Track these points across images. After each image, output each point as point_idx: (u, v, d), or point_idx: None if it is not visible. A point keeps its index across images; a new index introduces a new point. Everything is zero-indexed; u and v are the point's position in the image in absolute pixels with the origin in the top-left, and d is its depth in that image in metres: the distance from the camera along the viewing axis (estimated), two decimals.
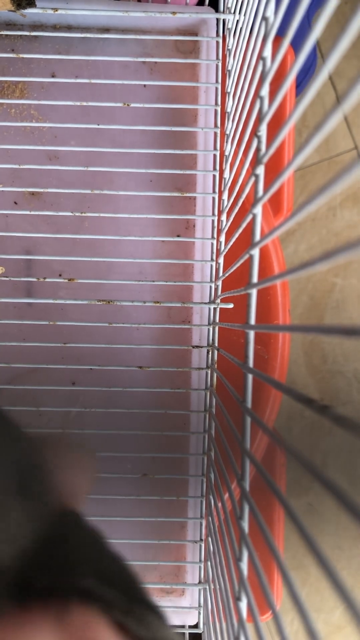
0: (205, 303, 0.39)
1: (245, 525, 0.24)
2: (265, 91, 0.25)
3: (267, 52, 0.25)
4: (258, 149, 0.25)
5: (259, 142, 0.25)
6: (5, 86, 0.43)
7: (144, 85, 0.44)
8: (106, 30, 0.43)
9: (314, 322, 1.10)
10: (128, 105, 0.38)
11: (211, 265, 0.39)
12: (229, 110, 0.38)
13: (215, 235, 0.39)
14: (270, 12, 0.25)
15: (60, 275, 0.43)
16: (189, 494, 0.40)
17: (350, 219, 1.08)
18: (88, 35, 0.38)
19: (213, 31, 0.42)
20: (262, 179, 0.25)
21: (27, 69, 0.43)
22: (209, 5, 0.42)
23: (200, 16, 0.42)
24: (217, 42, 0.41)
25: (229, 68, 0.39)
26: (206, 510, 0.40)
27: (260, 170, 0.25)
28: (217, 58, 0.41)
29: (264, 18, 0.26)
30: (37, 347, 0.41)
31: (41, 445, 0.16)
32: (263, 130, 0.25)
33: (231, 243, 0.30)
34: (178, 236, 0.43)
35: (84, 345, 0.38)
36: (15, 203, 0.43)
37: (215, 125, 0.40)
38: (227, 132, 0.38)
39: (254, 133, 0.25)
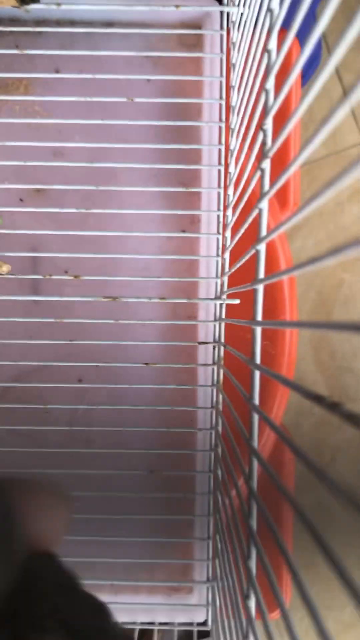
0: (211, 299, 0.39)
1: (254, 523, 0.24)
2: (270, 84, 0.25)
3: (273, 45, 0.25)
4: (264, 143, 0.25)
5: (265, 135, 0.25)
6: (9, 83, 0.43)
7: (148, 80, 0.44)
8: (110, 24, 0.43)
9: (322, 318, 1.09)
10: (132, 100, 0.38)
11: (217, 261, 0.39)
12: (233, 104, 0.38)
13: (220, 231, 0.39)
14: (275, 4, 0.25)
15: (66, 272, 0.42)
16: (196, 491, 0.40)
17: (358, 214, 1.07)
18: (91, 30, 0.38)
19: (217, 24, 0.42)
20: (268, 173, 0.25)
21: (31, 65, 0.43)
22: None
23: (204, 9, 0.42)
24: (221, 36, 0.41)
25: (234, 62, 0.38)
26: (214, 507, 0.39)
27: (266, 164, 0.25)
28: (222, 52, 0.40)
29: (269, 10, 0.25)
30: (43, 345, 0.41)
31: (10, 487, 0.15)
32: (269, 124, 0.25)
33: (237, 238, 0.30)
34: (183, 231, 0.43)
35: (91, 342, 0.38)
36: (21, 200, 0.43)
37: (220, 120, 0.39)
38: (232, 126, 0.37)
39: (260, 127, 0.25)
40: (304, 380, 1.07)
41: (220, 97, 0.40)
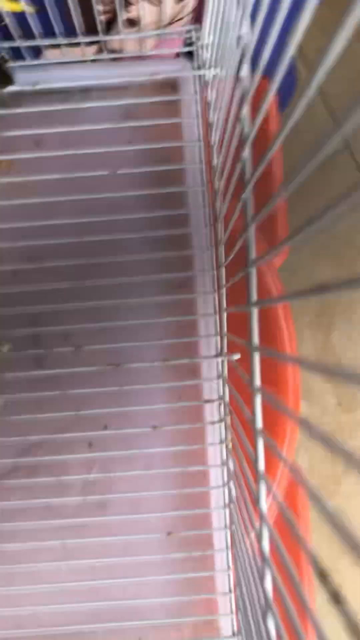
0: (213, 356, 0.39)
1: (269, 586, 0.24)
2: (245, 112, 0.25)
3: (245, 73, 0.24)
4: (243, 174, 0.24)
5: (244, 166, 0.25)
6: None
7: (129, 142, 0.44)
8: (87, 90, 0.44)
9: (324, 327, 1.09)
10: (115, 172, 0.38)
11: (215, 319, 0.39)
12: (214, 163, 0.39)
13: (215, 288, 0.40)
14: (244, 31, 0.24)
15: (66, 339, 0.43)
16: (215, 548, 0.41)
17: (350, 221, 1.08)
18: (69, 106, 0.38)
19: (191, 83, 0.42)
20: (251, 202, 0.25)
21: (10, 140, 0.44)
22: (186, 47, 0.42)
23: (179, 73, 0.42)
24: (196, 99, 0.41)
25: (211, 121, 0.39)
26: (233, 561, 0.40)
27: (248, 194, 0.24)
28: (198, 115, 0.41)
29: (239, 37, 0.25)
30: (52, 412, 0.42)
31: None
32: (247, 153, 0.24)
33: (233, 279, 0.31)
34: (179, 287, 0.43)
35: (97, 411, 0.39)
36: (14, 273, 0.43)
37: (202, 183, 0.40)
38: (216, 186, 0.38)
39: (237, 159, 0.25)
40: (312, 391, 1.07)
41: (200, 161, 0.40)
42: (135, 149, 0.44)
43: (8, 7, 0.36)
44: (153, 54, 0.43)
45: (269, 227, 0.49)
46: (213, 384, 0.41)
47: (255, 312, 0.24)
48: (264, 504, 0.26)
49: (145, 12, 0.36)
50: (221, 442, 0.39)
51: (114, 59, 0.42)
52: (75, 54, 0.42)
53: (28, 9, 0.36)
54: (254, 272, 0.23)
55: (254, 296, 0.24)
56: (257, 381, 0.23)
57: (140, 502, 0.42)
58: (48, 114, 0.44)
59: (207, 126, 0.42)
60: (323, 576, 0.12)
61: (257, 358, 0.24)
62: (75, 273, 0.42)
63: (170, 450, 0.41)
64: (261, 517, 0.25)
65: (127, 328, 0.42)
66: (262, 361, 0.26)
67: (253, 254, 0.23)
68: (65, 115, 0.43)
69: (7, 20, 0.36)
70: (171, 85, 0.44)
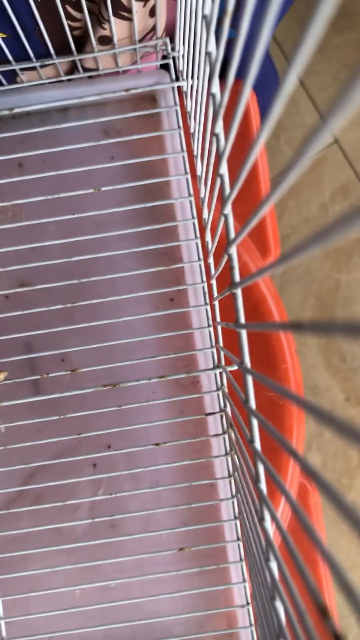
0: (211, 369, 0.39)
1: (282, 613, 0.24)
2: (219, 128, 0.25)
3: (215, 89, 0.24)
4: (222, 189, 0.24)
5: (222, 182, 0.24)
6: None
7: (112, 157, 0.44)
8: (65, 109, 0.43)
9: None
10: (99, 190, 0.38)
11: (209, 331, 0.39)
12: (199, 173, 0.38)
13: (208, 301, 0.39)
14: (212, 47, 0.24)
15: (62, 360, 0.43)
16: (229, 560, 0.40)
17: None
18: (49, 127, 0.38)
19: (170, 93, 0.42)
20: (232, 219, 0.25)
21: None
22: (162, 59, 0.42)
23: (155, 86, 0.42)
24: (176, 110, 0.41)
25: (192, 131, 0.39)
26: (248, 575, 0.39)
27: (228, 210, 0.24)
28: (179, 126, 0.41)
29: (207, 53, 0.25)
30: (54, 435, 0.41)
31: None
32: (224, 169, 0.24)
33: (223, 292, 0.30)
34: (172, 300, 0.43)
35: (98, 433, 0.39)
36: (7, 297, 0.43)
37: (189, 193, 0.39)
38: (201, 195, 0.38)
39: (216, 173, 0.25)
40: (318, 388, 1.07)
41: (185, 171, 0.40)
42: (120, 164, 0.44)
43: None
44: (131, 69, 0.43)
45: (259, 232, 0.49)
46: (215, 396, 0.41)
47: (244, 333, 0.23)
48: (270, 527, 0.25)
49: (117, 28, 0.36)
50: (226, 454, 0.39)
51: (91, 77, 0.42)
52: (50, 74, 0.42)
53: None
54: (239, 292, 0.23)
55: (242, 319, 0.24)
56: (252, 403, 0.23)
57: (150, 519, 0.42)
58: (28, 136, 0.43)
59: (189, 137, 0.41)
60: (324, 614, 0.11)
61: (249, 378, 0.24)
62: (66, 294, 0.42)
63: (177, 465, 0.41)
64: (268, 545, 0.25)
65: (123, 346, 0.42)
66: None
67: (237, 276, 0.22)
68: (46, 135, 0.43)
69: None
70: (150, 98, 0.44)
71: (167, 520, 0.42)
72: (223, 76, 0.36)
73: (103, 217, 0.43)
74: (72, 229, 0.43)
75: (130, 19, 0.36)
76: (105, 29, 0.37)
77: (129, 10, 0.35)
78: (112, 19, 0.35)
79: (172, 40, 0.40)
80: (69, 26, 0.37)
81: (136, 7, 0.35)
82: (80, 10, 0.37)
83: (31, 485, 0.41)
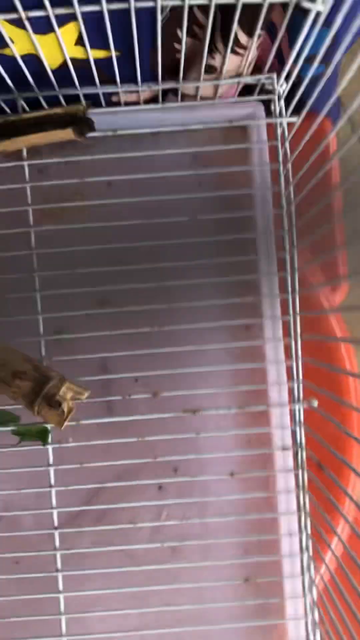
0: (289, 403, 0.39)
1: None
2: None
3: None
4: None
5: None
6: (64, 197, 0.43)
7: (199, 183, 0.44)
8: (157, 132, 0.44)
9: None
10: (194, 219, 0.38)
11: (292, 365, 0.39)
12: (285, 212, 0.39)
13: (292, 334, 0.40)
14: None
15: (136, 380, 0.43)
16: (286, 596, 0.41)
17: None
18: (142, 153, 0.39)
19: (264, 127, 0.42)
20: None
21: (81, 177, 0.44)
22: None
23: (250, 110, 0.42)
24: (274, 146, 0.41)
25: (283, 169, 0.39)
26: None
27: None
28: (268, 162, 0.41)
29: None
30: (120, 455, 0.42)
31: None
32: None
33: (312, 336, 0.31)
34: (247, 329, 0.43)
35: (173, 458, 0.39)
36: (87, 316, 0.43)
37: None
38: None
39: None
40: None
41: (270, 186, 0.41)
42: (205, 194, 0.44)
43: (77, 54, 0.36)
44: (221, 97, 0.43)
45: (330, 265, 0.49)
46: (284, 430, 0.41)
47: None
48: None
49: (228, 61, 0.36)
50: (298, 487, 0.39)
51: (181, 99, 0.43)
52: (146, 96, 0.42)
53: (107, 54, 0.36)
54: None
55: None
56: None
57: (211, 547, 0.42)
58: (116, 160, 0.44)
59: (278, 174, 0.42)
60: None
61: None
62: (145, 317, 0.42)
63: (242, 497, 0.41)
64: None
65: (197, 373, 0.42)
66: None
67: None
68: (136, 157, 0.43)
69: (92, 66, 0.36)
70: (242, 129, 0.44)
71: (227, 551, 0.42)
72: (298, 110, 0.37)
73: (186, 244, 0.43)
74: (156, 254, 0.43)
75: (241, 55, 0.37)
76: (214, 58, 0.37)
77: (245, 47, 0.35)
78: (229, 54, 0.35)
79: (274, 75, 0.40)
80: (175, 50, 0.38)
81: (250, 43, 0.35)
82: (192, 36, 0.37)
83: (94, 506, 0.42)
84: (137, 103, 0.43)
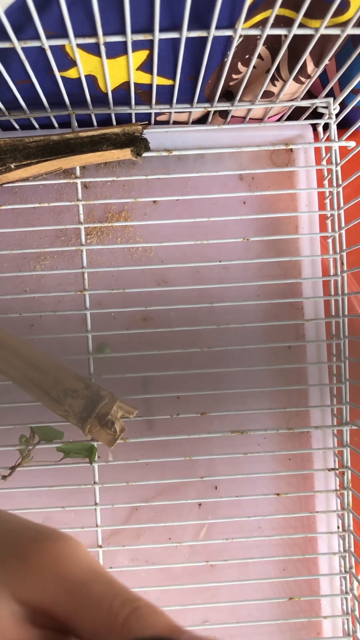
0: (335, 425, 0.40)
1: None
2: None
3: None
4: None
5: None
6: (109, 216, 0.44)
7: (244, 202, 0.45)
8: (201, 156, 0.45)
9: None
10: (247, 239, 0.39)
11: (342, 388, 0.40)
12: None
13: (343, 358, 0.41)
14: None
15: (178, 398, 0.43)
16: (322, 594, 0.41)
17: None
18: (190, 175, 0.39)
19: (311, 149, 0.43)
20: None
21: (127, 195, 0.44)
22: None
23: (298, 132, 0.43)
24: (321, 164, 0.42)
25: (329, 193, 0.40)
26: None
27: None
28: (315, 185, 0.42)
29: None
30: (161, 473, 0.43)
31: None
32: None
33: None
34: (289, 348, 0.44)
35: (220, 478, 0.40)
36: (127, 329, 0.44)
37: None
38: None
39: None
40: None
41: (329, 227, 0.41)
42: (251, 207, 0.45)
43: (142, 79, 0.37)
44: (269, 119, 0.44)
45: None
46: (328, 453, 0.42)
47: None
48: None
49: (287, 87, 0.37)
50: (342, 509, 0.40)
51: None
52: (194, 117, 0.43)
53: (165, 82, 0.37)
54: None
55: None
56: None
57: (249, 564, 0.43)
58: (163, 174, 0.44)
59: (323, 195, 0.43)
60: None
61: None
62: (187, 336, 0.43)
63: (281, 517, 0.42)
64: None
65: (240, 394, 0.43)
66: None
67: None
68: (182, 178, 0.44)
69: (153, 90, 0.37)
70: (288, 151, 0.45)
71: (263, 570, 0.43)
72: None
73: (231, 265, 0.44)
74: (200, 273, 0.44)
75: (303, 82, 0.38)
76: (275, 85, 0.38)
77: (309, 77, 0.36)
78: (291, 81, 0.36)
79: (327, 99, 0.41)
80: (231, 78, 0.39)
81: (315, 72, 0.36)
82: (247, 65, 0.38)
83: (134, 525, 0.42)
84: (185, 123, 0.43)
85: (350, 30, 0.29)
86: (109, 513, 0.43)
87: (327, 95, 0.39)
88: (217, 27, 0.29)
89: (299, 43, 0.32)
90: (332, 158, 0.39)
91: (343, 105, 0.40)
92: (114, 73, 0.35)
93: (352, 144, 0.39)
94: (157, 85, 0.36)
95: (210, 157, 0.45)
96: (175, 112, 0.41)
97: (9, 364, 0.37)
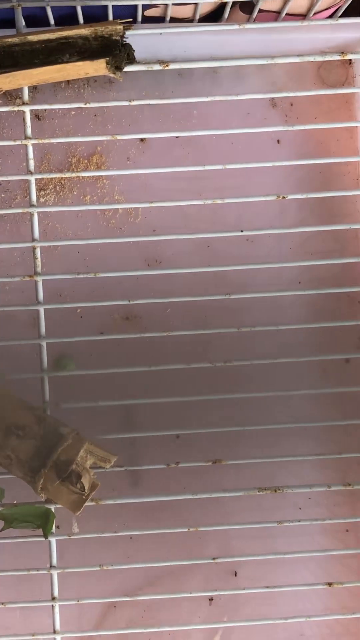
0: None
1: None
2: None
3: None
4: None
5: None
6: (73, 161, 0.44)
7: (278, 141, 0.45)
8: (218, 69, 0.44)
9: None
10: (284, 197, 0.39)
11: None
12: None
13: None
14: None
15: (177, 437, 0.43)
16: None
17: None
18: (216, 98, 0.39)
19: None
20: None
21: (101, 131, 0.44)
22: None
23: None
24: None
25: None
26: None
27: None
28: None
29: None
30: (155, 551, 0.42)
31: None
32: None
33: None
34: (347, 362, 0.44)
35: (240, 559, 0.39)
36: (101, 333, 0.43)
37: None
38: None
39: None
40: None
41: None
42: (288, 149, 0.45)
43: None
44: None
45: None
46: None
47: None
48: None
49: None
50: None
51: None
52: (204, 11, 0.42)
53: None
54: None
55: None
56: None
57: None
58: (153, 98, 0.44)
59: None
60: None
61: None
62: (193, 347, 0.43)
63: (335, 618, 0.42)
64: None
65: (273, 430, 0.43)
66: None
67: None
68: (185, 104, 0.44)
69: None
70: (342, 61, 0.45)
71: None
72: None
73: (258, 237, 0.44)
74: (211, 249, 0.44)
75: None
76: None
77: None
78: None
79: None
80: None
81: None
82: None
83: (110, 631, 0.42)
84: (189, 20, 0.43)
85: None
86: (73, 612, 0.43)
87: None
88: None
89: None
90: None
91: None
92: None
93: None
94: None
95: (227, 72, 0.45)
96: (173, 4, 0.40)
97: None
